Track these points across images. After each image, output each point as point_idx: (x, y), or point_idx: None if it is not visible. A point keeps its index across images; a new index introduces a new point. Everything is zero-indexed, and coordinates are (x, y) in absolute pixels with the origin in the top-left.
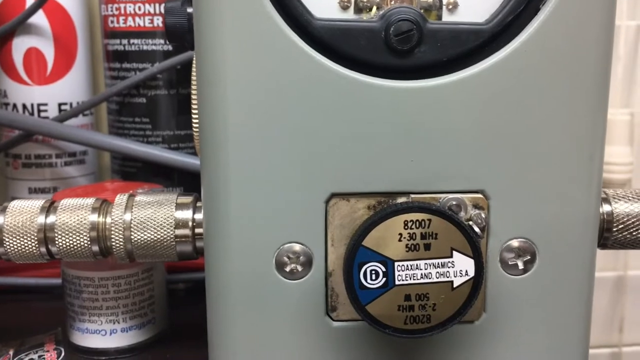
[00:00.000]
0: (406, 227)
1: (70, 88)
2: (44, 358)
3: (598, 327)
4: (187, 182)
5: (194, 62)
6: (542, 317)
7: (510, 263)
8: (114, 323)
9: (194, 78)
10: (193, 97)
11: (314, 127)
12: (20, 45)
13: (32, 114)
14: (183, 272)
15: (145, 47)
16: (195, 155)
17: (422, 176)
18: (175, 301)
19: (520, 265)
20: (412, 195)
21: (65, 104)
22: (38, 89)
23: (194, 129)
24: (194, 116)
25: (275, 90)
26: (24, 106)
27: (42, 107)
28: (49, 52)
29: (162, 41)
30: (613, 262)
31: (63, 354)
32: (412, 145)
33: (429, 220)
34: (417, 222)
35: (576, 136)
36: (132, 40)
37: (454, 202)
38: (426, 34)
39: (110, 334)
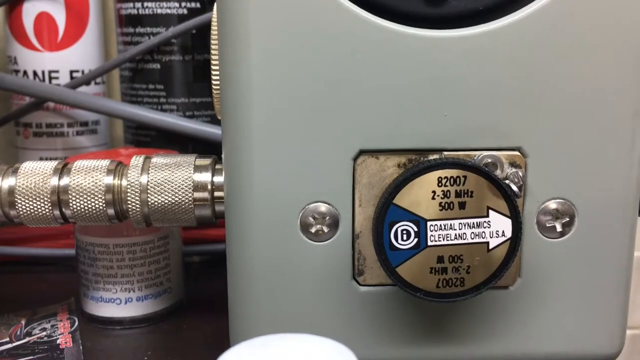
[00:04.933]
0: (440, 184)
1: (82, 54)
2: (57, 327)
3: None
4: (201, 151)
5: (213, 18)
6: (579, 283)
7: (547, 225)
8: (129, 292)
9: (214, 33)
10: (213, 54)
11: (342, 79)
12: (30, 10)
13: (42, 81)
14: (197, 244)
15: (159, 11)
16: (211, 124)
17: (455, 132)
18: (190, 274)
19: (558, 228)
20: (445, 153)
21: (77, 71)
22: (49, 55)
23: (214, 88)
24: (214, 75)
25: (302, 40)
26: (35, 73)
27: (53, 74)
28: (60, 17)
29: (177, 4)
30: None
31: (77, 323)
32: (445, 98)
33: (464, 177)
34: (452, 179)
35: (620, 92)
36: (145, 4)
37: (490, 160)
38: None
39: (125, 302)
